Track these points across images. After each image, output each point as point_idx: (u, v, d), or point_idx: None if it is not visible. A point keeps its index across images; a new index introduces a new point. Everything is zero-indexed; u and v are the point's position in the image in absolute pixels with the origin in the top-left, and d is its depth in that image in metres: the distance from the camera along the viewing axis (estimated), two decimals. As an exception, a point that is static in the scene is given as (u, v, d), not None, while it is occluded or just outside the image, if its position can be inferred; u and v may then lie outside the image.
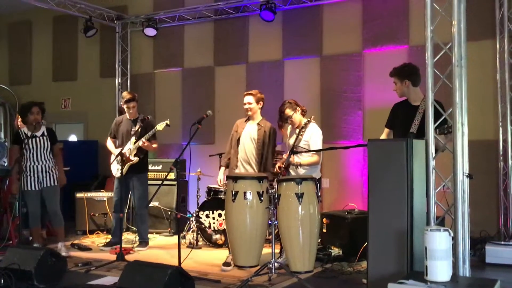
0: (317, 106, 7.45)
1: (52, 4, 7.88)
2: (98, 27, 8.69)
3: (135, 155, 6.10)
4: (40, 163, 5.89)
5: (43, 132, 5.98)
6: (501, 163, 6.25)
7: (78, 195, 7.27)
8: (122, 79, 9.02)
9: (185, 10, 8.36)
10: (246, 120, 5.66)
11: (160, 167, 7.49)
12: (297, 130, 5.33)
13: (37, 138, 5.92)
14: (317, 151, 5.16)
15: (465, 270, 3.56)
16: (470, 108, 6.26)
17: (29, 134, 5.91)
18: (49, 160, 5.95)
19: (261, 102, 5.60)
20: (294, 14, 7.72)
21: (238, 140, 5.58)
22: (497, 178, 6.29)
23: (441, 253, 3.11)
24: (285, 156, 5.26)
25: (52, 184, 5.94)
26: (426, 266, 3.18)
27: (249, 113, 5.60)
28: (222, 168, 5.82)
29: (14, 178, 5.96)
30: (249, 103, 5.56)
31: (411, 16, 6.89)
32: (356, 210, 5.95)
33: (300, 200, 4.45)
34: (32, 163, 5.87)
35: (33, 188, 5.87)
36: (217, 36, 8.41)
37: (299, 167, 5.24)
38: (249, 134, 5.55)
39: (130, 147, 6.07)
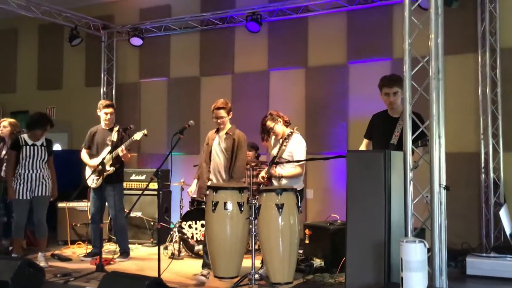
0: (302, 117, 7.48)
1: (38, 12, 7.87)
2: (83, 36, 8.67)
3: (111, 165, 6.04)
4: (35, 171, 5.85)
5: (43, 142, 5.96)
6: (483, 176, 6.29)
7: (60, 205, 7.18)
8: (107, 88, 9.00)
9: (171, 20, 8.38)
10: (216, 131, 5.52)
11: (143, 177, 7.45)
12: (281, 141, 5.33)
13: (36, 147, 5.89)
14: (296, 162, 5.15)
15: (442, 282, 3.56)
16: (453, 121, 6.35)
17: (29, 142, 5.89)
18: (44, 169, 5.92)
19: (230, 112, 5.44)
20: (280, 26, 7.77)
21: (210, 152, 5.44)
22: (479, 190, 6.32)
23: (416, 264, 3.11)
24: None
25: (44, 194, 5.89)
26: (402, 278, 3.19)
27: (221, 126, 5.41)
28: (195, 181, 5.67)
29: (10, 186, 5.85)
30: (222, 117, 5.34)
31: (395, 30, 6.96)
32: (338, 221, 5.94)
33: (280, 211, 4.44)
34: (26, 171, 5.83)
35: (23, 198, 5.81)
36: (203, 47, 8.43)
37: (281, 178, 5.24)
38: (219, 145, 5.41)
39: (105, 156, 6.00)
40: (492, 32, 6.31)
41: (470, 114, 6.46)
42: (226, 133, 5.39)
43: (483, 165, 6.30)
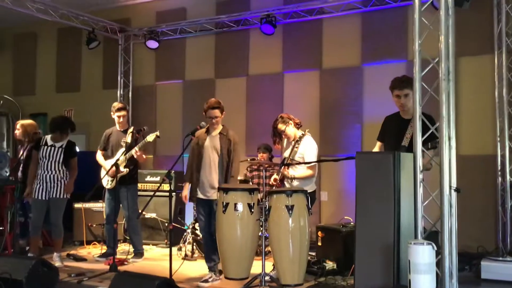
0: (316, 119, 7.46)
1: (56, 16, 8.00)
2: (101, 39, 8.78)
3: (125, 166, 6.10)
4: (50, 172, 5.96)
5: (62, 145, 6.06)
6: (499, 178, 6.20)
7: (76, 205, 7.27)
8: (124, 90, 9.10)
9: (186, 23, 8.45)
10: (206, 131, 5.35)
11: (158, 178, 7.49)
12: (293, 143, 5.33)
13: (54, 149, 5.99)
14: (306, 163, 5.14)
15: (452, 285, 3.52)
16: (468, 123, 6.28)
17: (49, 143, 6.01)
18: (60, 171, 6.01)
19: (223, 112, 5.32)
20: (294, 28, 7.77)
21: (200, 153, 5.28)
22: (495, 194, 6.24)
23: (424, 267, 3.09)
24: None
25: (59, 196, 5.98)
26: (410, 280, 3.16)
27: (215, 126, 5.31)
28: (187, 184, 5.40)
29: (30, 183, 6.03)
30: (217, 117, 5.24)
31: (409, 31, 6.87)
32: (351, 223, 5.90)
33: (290, 212, 4.43)
34: (43, 172, 5.95)
35: (40, 198, 5.92)
36: (218, 49, 8.47)
37: (294, 180, 5.23)
38: (212, 145, 5.26)
39: (119, 158, 6.06)
40: (509, 33, 6.24)
41: (486, 116, 6.38)
42: (220, 133, 5.28)
43: (499, 168, 6.21)
